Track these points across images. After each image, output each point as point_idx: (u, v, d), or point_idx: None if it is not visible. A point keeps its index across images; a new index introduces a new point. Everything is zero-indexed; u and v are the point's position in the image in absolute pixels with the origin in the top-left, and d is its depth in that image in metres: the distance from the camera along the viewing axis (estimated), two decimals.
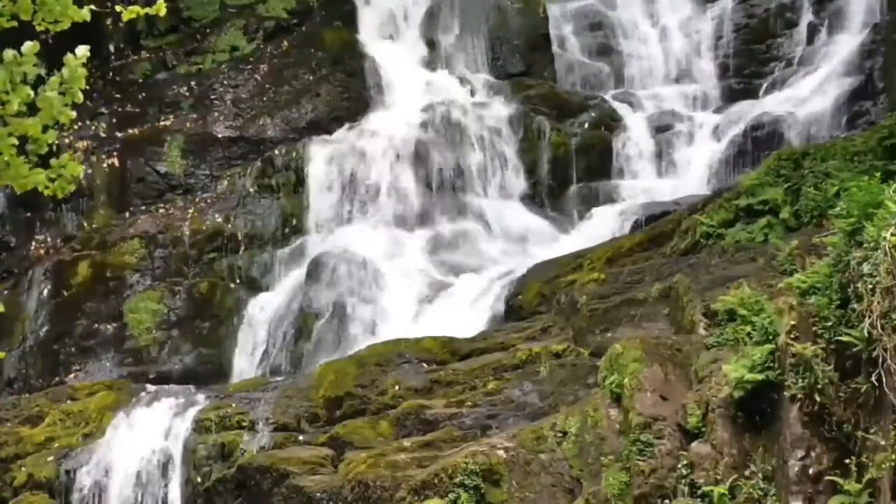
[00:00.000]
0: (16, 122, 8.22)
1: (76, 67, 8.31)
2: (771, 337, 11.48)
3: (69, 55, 8.31)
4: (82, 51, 8.35)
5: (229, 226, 20.45)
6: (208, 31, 23.45)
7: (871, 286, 10.31)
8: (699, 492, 11.44)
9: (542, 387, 14.51)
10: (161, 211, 20.89)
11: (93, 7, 9.06)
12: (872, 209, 10.67)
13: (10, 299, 19.20)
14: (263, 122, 22.01)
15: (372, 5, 23.97)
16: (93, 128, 21.80)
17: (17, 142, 8.37)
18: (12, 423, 16.09)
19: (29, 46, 8.16)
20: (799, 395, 10.82)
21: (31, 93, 8.22)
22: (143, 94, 22.64)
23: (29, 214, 20.90)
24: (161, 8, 8.96)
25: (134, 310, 19.48)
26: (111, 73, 22.85)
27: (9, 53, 8.12)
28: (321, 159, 20.96)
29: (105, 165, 21.11)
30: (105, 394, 16.37)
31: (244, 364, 18.95)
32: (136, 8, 9.00)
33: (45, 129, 8.36)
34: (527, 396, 14.44)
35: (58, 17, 8.36)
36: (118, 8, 8.99)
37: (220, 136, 21.77)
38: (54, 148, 8.59)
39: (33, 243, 20.73)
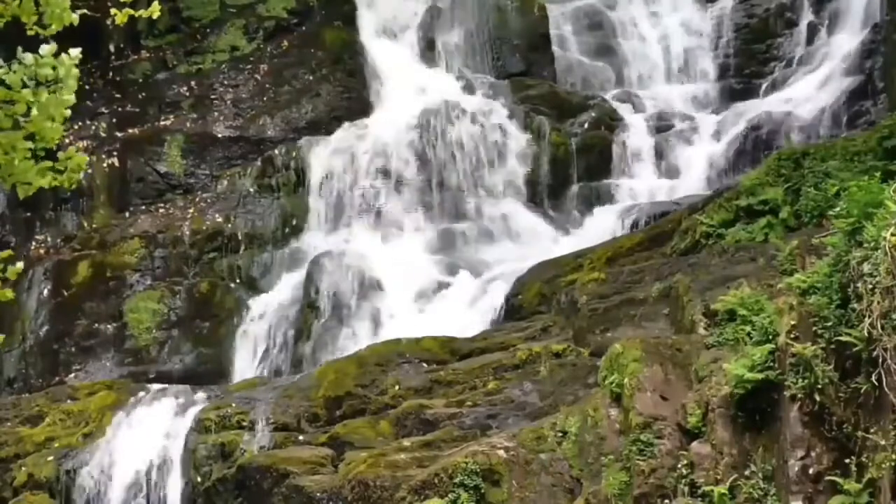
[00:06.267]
0: (28, 123, 8.30)
1: (70, 67, 8.38)
2: (771, 337, 11.48)
3: (63, 56, 8.39)
4: (75, 52, 8.43)
5: (229, 226, 20.46)
6: (208, 31, 23.46)
7: (871, 286, 10.32)
8: (699, 492, 11.44)
9: (542, 387, 14.51)
10: (161, 211, 20.90)
11: (86, 12, 9.11)
12: (872, 209, 10.67)
13: (11, 299, 19.17)
14: (263, 122, 22.02)
15: (372, 5, 23.96)
16: (93, 128, 21.80)
17: (31, 145, 8.46)
18: (12, 422, 16.09)
19: (48, 49, 8.25)
20: (799, 395, 10.82)
21: (46, 94, 8.30)
22: (143, 94, 22.65)
23: (29, 214, 20.90)
24: (155, 10, 9.01)
25: (134, 310, 19.48)
26: (111, 73, 22.85)
27: (29, 57, 8.20)
28: (321, 159, 20.96)
29: (105, 165, 21.11)
30: (105, 394, 16.37)
31: (244, 364, 18.95)
32: (129, 10, 9.05)
33: (51, 121, 8.45)
34: (527, 396, 14.44)
35: (55, 19, 8.43)
36: (113, 11, 9.04)
37: (220, 136, 21.77)
38: (54, 147, 8.66)
39: (33, 243, 20.73)
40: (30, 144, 8.45)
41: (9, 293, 9.13)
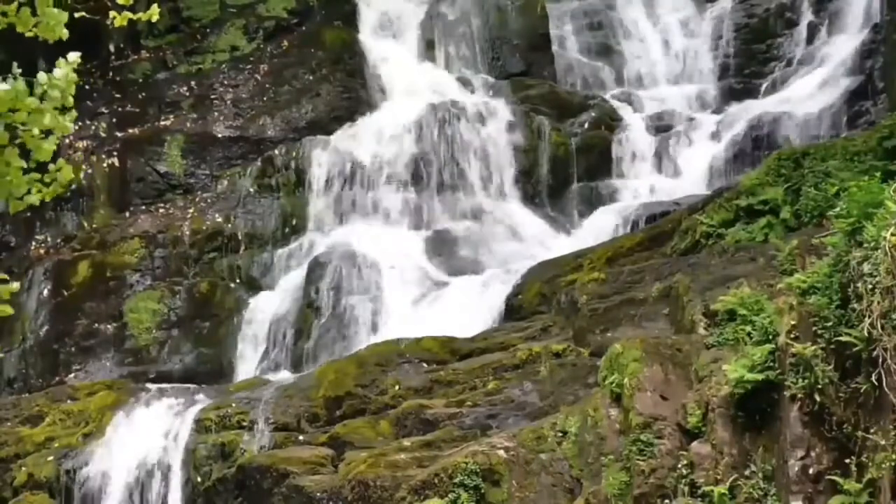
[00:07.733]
0: (25, 133, 8.28)
1: (68, 73, 8.34)
2: (771, 337, 11.48)
3: (61, 59, 8.35)
4: (74, 56, 8.39)
5: (229, 226, 20.46)
6: (208, 30, 23.46)
7: (871, 286, 10.31)
8: (699, 492, 11.44)
9: (542, 387, 14.51)
10: (161, 211, 20.90)
11: (84, 14, 9.10)
12: (872, 209, 10.66)
13: (11, 299, 19.16)
14: (263, 122, 22.01)
15: (372, 5, 23.97)
16: (93, 128, 21.79)
17: (24, 164, 8.43)
18: (12, 423, 16.10)
19: (61, 73, 8.21)
20: (799, 395, 10.82)
21: (49, 116, 8.27)
22: (143, 94, 22.65)
23: (29, 214, 20.86)
24: (154, 13, 9.01)
25: (134, 309, 19.48)
26: (111, 73, 22.85)
27: (42, 76, 8.16)
28: (321, 159, 20.96)
29: (105, 165, 21.11)
30: (105, 394, 16.37)
31: (244, 364, 18.96)
32: (128, 14, 9.05)
33: (47, 135, 8.43)
34: (527, 396, 14.44)
35: (49, 31, 8.40)
36: (112, 14, 9.03)
37: (220, 136, 21.77)
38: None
39: (33, 243, 20.73)
40: (23, 163, 8.42)
41: (8, 309, 9.13)
